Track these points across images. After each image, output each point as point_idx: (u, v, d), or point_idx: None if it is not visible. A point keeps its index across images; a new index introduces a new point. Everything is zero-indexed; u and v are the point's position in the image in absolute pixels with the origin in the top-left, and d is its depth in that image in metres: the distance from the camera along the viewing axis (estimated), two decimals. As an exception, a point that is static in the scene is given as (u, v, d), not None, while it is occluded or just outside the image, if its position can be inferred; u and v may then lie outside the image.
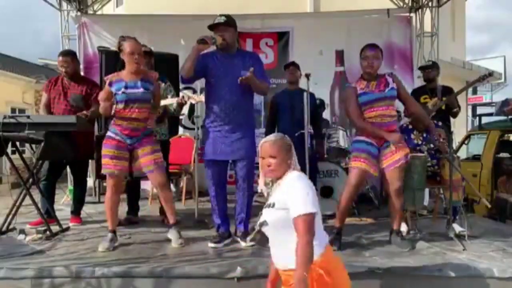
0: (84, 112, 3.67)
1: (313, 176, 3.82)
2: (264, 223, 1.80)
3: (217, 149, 3.09)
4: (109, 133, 3.08)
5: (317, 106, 4.35)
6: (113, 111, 3.04)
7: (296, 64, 4.14)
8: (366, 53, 3.04)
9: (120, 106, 2.99)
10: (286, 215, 1.72)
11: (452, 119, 4.50)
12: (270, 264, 1.97)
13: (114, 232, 3.10)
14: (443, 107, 4.21)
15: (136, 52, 2.96)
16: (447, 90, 4.37)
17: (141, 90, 3.00)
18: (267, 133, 3.98)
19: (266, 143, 1.87)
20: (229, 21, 3.06)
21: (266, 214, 1.80)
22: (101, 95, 3.03)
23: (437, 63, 4.71)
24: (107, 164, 3.00)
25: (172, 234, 3.11)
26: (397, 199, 3.02)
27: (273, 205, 1.79)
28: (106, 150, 3.01)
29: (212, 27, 3.08)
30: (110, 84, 2.99)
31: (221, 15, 3.08)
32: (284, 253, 1.76)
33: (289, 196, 1.73)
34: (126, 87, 2.97)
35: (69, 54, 3.90)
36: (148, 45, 3.74)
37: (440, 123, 3.87)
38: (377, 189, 4.74)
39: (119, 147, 3.02)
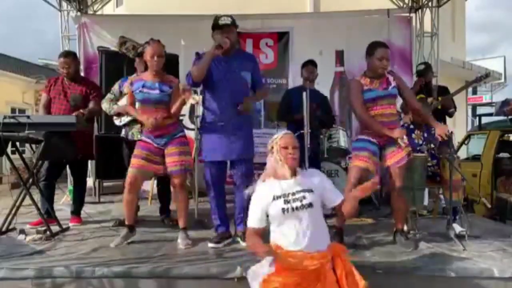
0: (81, 110, 3.67)
1: None
2: (310, 205, 2.01)
3: (215, 150, 3.08)
4: (142, 137, 3.16)
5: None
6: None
7: (315, 63, 4.19)
8: (381, 53, 2.93)
9: (138, 105, 3.07)
10: (320, 198, 2.08)
11: (449, 119, 4.51)
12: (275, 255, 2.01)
13: (130, 227, 3.16)
14: (439, 107, 4.22)
15: (156, 54, 3.03)
16: (443, 90, 4.39)
17: (158, 91, 3.05)
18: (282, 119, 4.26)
19: (288, 135, 2.12)
20: (234, 22, 3.07)
21: (309, 198, 2.01)
22: (128, 100, 3.14)
23: (429, 64, 4.72)
24: (133, 163, 3.05)
25: (180, 237, 3.12)
26: (401, 197, 3.01)
27: (311, 190, 2.04)
28: (137, 150, 3.10)
29: (217, 27, 3.06)
30: (131, 84, 3.10)
31: (225, 16, 3.07)
32: (317, 235, 2.02)
33: (328, 187, 2.14)
34: (144, 86, 3.06)
35: (69, 55, 3.90)
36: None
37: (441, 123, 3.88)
38: (377, 189, 4.73)
39: (149, 149, 3.09)
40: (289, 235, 2.01)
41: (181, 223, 3.18)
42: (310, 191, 2.04)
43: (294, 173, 2.12)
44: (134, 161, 3.06)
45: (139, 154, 3.07)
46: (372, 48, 2.98)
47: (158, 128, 3.05)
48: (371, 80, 3.01)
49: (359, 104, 2.99)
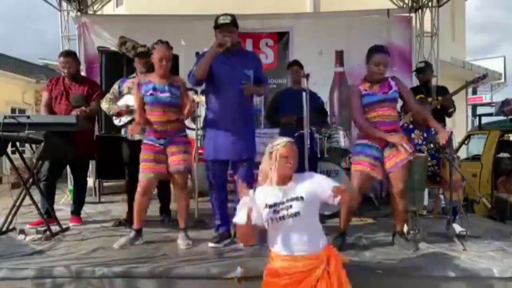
0: (83, 108, 3.67)
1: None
2: (296, 214, 2.01)
3: (218, 149, 3.09)
4: (145, 141, 3.13)
5: (323, 106, 4.38)
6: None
7: (300, 63, 4.15)
8: (377, 58, 2.95)
9: (148, 107, 3.05)
10: (315, 202, 2.05)
11: (449, 119, 4.51)
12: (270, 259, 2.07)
13: (138, 231, 3.14)
14: (439, 107, 4.22)
15: (164, 58, 3.01)
16: (442, 90, 4.39)
17: (168, 94, 3.04)
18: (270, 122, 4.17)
19: (291, 144, 2.10)
20: (234, 22, 3.07)
21: (296, 207, 2.01)
22: (137, 103, 3.09)
23: (430, 63, 4.72)
24: (146, 168, 3.03)
25: (180, 237, 3.12)
26: (401, 200, 2.97)
27: (301, 198, 2.02)
28: (145, 154, 3.06)
29: (216, 27, 3.06)
30: (139, 86, 3.06)
31: (225, 15, 3.07)
32: (308, 239, 2.03)
33: (320, 182, 2.07)
34: (154, 89, 3.03)
35: (70, 55, 3.90)
36: (148, 45, 3.74)
37: (441, 124, 3.88)
38: (377, 189, 4.74)
39: (156, 151, 3.06)
40: (279, 241, 2.05)
41: (181, 223, 3.17)
42: (299, 199, 2.03)
43: (289, 179, 2.11)
44: (146, 165, 3.03)
45: (147, 157, 3.04)
46: (369, 53, 3.01)
47: (160, 130, 3.05)
48: (371, 84, 3.01)
49: (358, 113, 3.00)
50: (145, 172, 3.03)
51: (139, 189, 3.06)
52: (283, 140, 2.12)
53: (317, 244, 2.05)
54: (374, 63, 2.95)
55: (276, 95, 4.34)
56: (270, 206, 2.05)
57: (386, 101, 2.97)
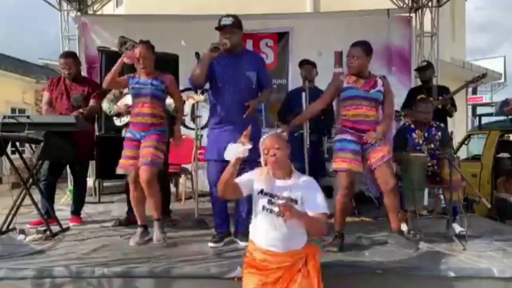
0: (80, 110, 3.67)
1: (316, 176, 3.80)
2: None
3: (221, 150, 3.07)
4: (126, 134, 3.23)
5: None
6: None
7: (312, 62, 4.22)
8: (348, 51, 3.05)
9: (131, 101, 3.18)
10: (303, 209, 2.02)
11: (450, 119, 4.51)
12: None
13: (144, 226, 3.18)
14: (440, 107, 4.22)
15: (141, 57, 3.10)
16: (443, 90, 4.39)
17: (149, 86, 3.12)
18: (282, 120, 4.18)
19: (268, 138, 2.11)
20: (236, 23, 3.06)
21: None
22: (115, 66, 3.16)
23: (432, 63, 4.73)
24: (123, 164, 3.13)
25: (154, 230, 3.12)
26: (394, 197, 2.93)
27: (295, 201, 2.02)
28: (126, 151, 3.15)
29: (217, 28, 3.06)
30: (128, 77, 3.20)
31: (227, 16, 3.06)
32: (292, 237, 2.04)
33: (313, 196, 2.04)
34: (137, 83, 3.14)
35: (69, 56, 3.90)
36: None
37: (442, 124, 3.87)
38: (376, 189, 4.73)
39: (134, 147, 3.14)
40: (263, 233, 2.08)
41: (154, 214, 3.14)
42: (293, 201, 2.02)
43: (289, 175, 2.12)
44: (125, 162, 3.12)
45: (128, 154, 3.13)
46: None
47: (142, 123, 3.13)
48: (356, 79, 3.01)
49: (323, 96, 3.14)
50: (121, 169, 3.13)
51: (129, 185, 3.16)
52: (265, 135, 2.17)
53: (298, 242, 2.08)
54: (347, 55, 3.07)
55: (288, 94, 4.39)
56: (266, 194, 2.07)
57: (366, 99, 2.95)
